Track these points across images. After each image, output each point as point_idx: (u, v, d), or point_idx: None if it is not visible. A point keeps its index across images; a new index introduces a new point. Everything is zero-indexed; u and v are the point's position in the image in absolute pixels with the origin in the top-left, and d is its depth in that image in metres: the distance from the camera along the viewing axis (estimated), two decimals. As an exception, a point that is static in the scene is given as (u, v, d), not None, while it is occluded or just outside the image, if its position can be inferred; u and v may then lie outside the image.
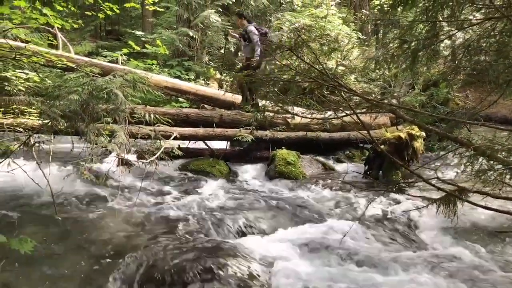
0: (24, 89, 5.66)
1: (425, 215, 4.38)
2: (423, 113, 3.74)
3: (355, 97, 4.30)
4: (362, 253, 3.76)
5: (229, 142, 7.48)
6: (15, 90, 5.63)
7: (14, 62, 4.93)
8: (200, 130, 7.00)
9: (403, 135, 6.25)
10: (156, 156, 4.94)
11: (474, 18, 3.84)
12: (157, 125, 5.55)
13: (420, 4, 3.92)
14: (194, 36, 12.73)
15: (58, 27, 5.61)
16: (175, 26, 13.36)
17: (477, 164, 3.35)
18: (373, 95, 7.65)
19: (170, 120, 5.84)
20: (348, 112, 3.77)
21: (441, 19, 3.93)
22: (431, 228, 4.32)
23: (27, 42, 6.67)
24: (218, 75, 12.23)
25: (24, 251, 1.79)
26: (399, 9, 3.96)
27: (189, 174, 6.52)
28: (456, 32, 4.14)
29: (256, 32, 7.53)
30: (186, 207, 4.92)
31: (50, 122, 4.30)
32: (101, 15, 5.01)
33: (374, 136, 6.81)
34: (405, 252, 3.86)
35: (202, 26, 12.99)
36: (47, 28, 7.45)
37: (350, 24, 12.64)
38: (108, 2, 4.93)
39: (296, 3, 14.37)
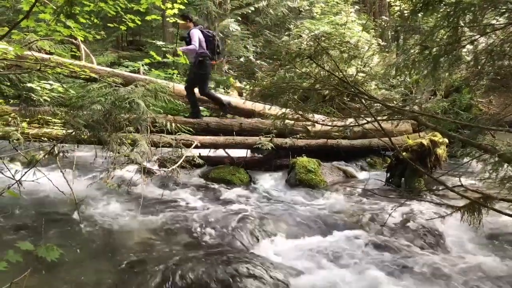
0: (48, 100, 5.78)
1: (449, 223, 4.30)
2: (445, 120, 3.69)
3: (376, 104, 4.27)
4: (385, 261, 3.72)
5: (249, 150, 7.49)
6: (40, 101, 5.76)
7: (39, 73, 5.04)
8: (220, 139, 7.03)
9: (425, 142, 6.17)
10: (177, 164, 4.98)
11: (497, 23, 3.78)
12: (178, 133, 5.61)
13: (441, 10, 3.89)
14: (214, 45, 12.83)
15: (81, 39, 5.73)
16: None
17: (501, 171, 3.29)
18: (394, 102, 7.59)
19: (190, 129, 5.90)
20: (369, 119, 3.74)
21: (462, 24, 3.89)
22: (456, 236, 4.24)
23: (51, 53, 6.82)
24: (238, 84, 12.28)
25: (51, 259, 1.83)
26: (419, 15, 3.93)
27: (210, 182, 6.54)
28: (479, 37, 4.08)
29: (199, 35, 7.15)
30: (207, 215, 4.93)
31: (74, 132, 4.39)
32: (123, 27, 5.09)
33: (396, 143, 6.74)
34: (429, 261, 3.79)
35: (221, 35, 13.10)
36: (71, 39, 7.61)
37: (370, 30, 12.58)
38: (130, 14, 5.01)
39: (315, 11, 14.37)
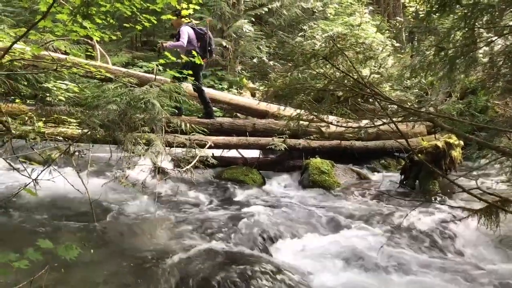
0: (64, 99, 5.83)
1: (465, 226, 4.25)
2: (462, 122, 3.66)
3: (391, 106, 4.25)
4: (400, 265, 3.68)
5: (262, 151, 7.49)
6: (55, 100, 5.81)
7: (55, 73, 5.09)
8: (234, 139, 7.04)
9: (440, 144, 6.11)
10: (191, 164, 5.00)
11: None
12: (192, 134, 5.63)
13: (458, 12, 3.85)
14: (227, 46, 12.87)
15: (97, 39, 5.78)
16: (208, 36, 13.55)
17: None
18: (409, 103, 7.54)
19: (204, 129, 5.91)
20: (385, 120, 3.72)
21: (479, 25, 3.85)
22: (472, 240, 4.19)
23: (67, 53, 6.88)
24: (251, 84, 12.30)
25: (70, 258, 1.86)
26: (435, 16, 3.90)
27: (223, 183, 6.55)
28: (496, 39, 4.05)
29: (189, 32, 7.02)
30: (220, 215, 4.94)
31: (89, 131, 4.43)
32: (138, 27, 5.11)
33: (410, 145, 6.69)
34: (444, 265, 3.76)
35: (235, 36, 13.12)
36: (86, 40, 7.66)
37: (384, 31, 12.50)
38: (145, 14, 5.03)
39: (329, 11, 14.32)
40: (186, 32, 7.00)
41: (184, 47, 6.93)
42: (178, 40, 7.01)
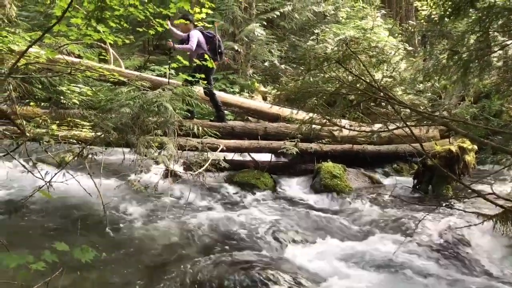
0: (78, 102, 5.87)
1: (479, 232, 4.19)
2: (477, 126, 3.62)
3: (404, 109, 4.22)
4: (413, 271, 3.65)
5: (273, 155, 7.48)
6: (69, 103, 5.85)
7: (69, 76, 5.12)
8: (245, 142, 7.04)
9: (453, 148, 6.05)
10: (203, 168, 5.01)
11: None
12: (204, 137, 5.63)
13: (472, 15, 3.83)
14: (239, 50, 12.88)
15: (110, 43, 5.81)
16: (220, 40, 13.59)
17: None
18: (421, 107, 7.49)
19: (216, 133, 5.92)
20: (398, 124, 3.70)
21: (494, 29, 3.82)
22: (486, 246, 4.13)
23: (80, 57, 6.93)
24: (262, 88, 12.30)
25: (85, 260, 1.88)
26: (449, 19, 3.87)
27: (234, 186, 6.54)
28: (511, 43, 4.02)
29: (198, 36, 7.15)
30: (231, 219, 4.93)
31: (103, 135, 4.45)
32: (151, 31, 5.15)
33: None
34: (458, 272, 3.72)
35: (246, 39, 13.14)
36: (99, 43, 7.71)
37: (397, 35, 12.43)
38: (159, 19, 5.06)
39: (341, 15, 14.29)
40: (196, 37, 7.13)
41: (193, 50, 7.04)
42: (187, 44, 7.13)
